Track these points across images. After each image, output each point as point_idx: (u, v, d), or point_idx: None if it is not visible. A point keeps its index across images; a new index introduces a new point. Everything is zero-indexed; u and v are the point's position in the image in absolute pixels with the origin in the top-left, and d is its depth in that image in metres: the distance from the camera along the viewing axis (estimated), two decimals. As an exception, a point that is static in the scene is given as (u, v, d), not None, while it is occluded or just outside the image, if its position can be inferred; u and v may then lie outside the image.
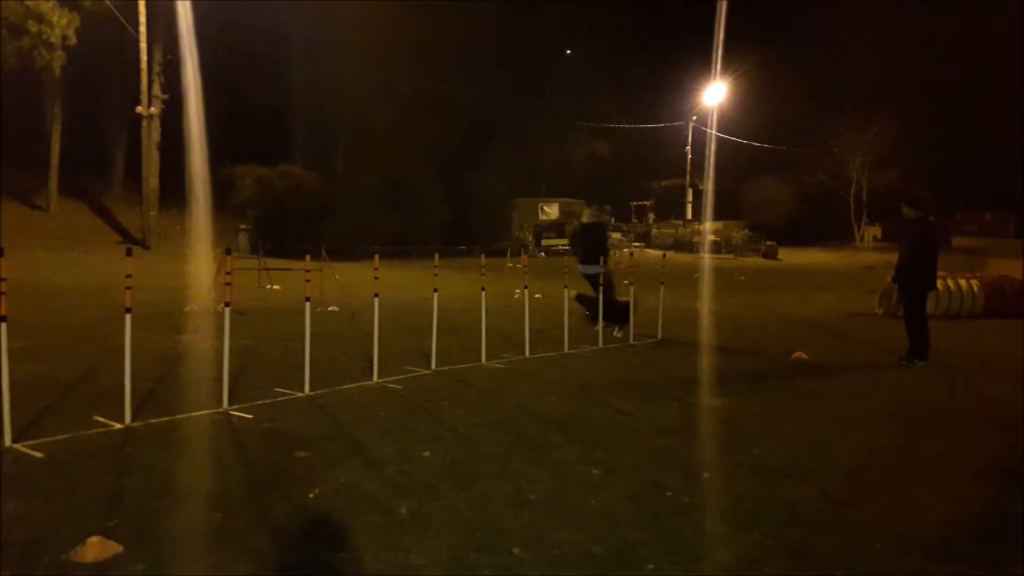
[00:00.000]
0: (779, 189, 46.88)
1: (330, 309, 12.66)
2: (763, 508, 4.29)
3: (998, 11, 40.54)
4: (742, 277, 20.00)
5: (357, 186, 31.45)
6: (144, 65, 27.21)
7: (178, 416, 5.79)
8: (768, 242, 41.47)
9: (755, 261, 37.81)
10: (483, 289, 8.88)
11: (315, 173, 31.27)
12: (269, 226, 28.23)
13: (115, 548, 3.49)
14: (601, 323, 10.26)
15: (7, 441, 4.91)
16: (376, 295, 7.63)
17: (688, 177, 47.82)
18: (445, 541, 3.74)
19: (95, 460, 4.77)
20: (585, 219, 12.19)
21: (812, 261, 37.39)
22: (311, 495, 4.30)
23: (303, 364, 6.70)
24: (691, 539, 3.87)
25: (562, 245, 38.78)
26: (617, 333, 10.67)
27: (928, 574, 3.59)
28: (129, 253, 5.95)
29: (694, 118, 46.82)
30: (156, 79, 28.49)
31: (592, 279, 11.13)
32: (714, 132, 41.85)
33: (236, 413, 5.94)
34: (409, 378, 7.50)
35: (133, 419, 5.53)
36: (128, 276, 5.59)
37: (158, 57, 28.62)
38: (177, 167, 28.79)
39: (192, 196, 27.42)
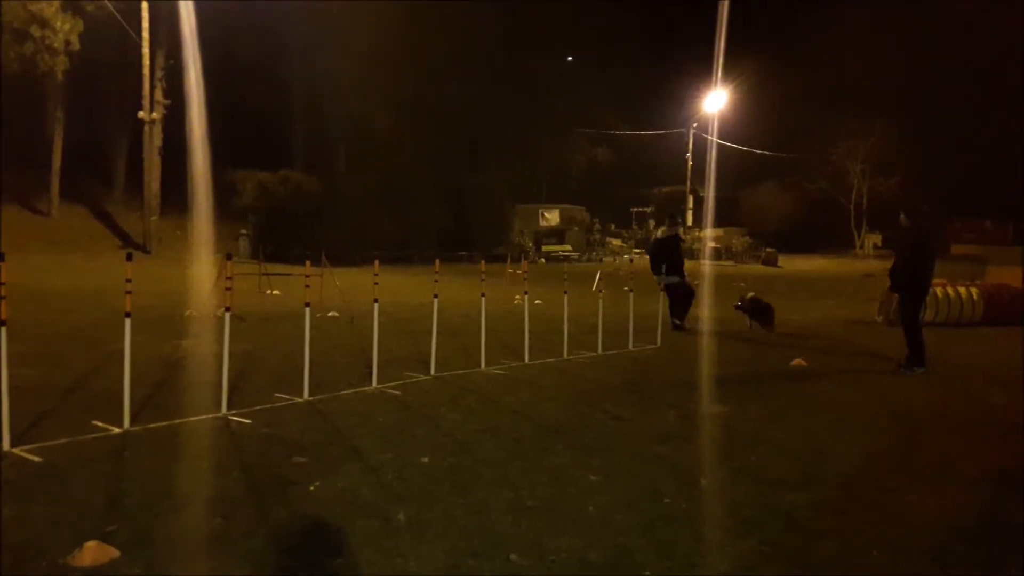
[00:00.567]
0: (779, 196, 46.95)
1: (330, 314, 12.67)
2: (760, 515, 4.29)
3: (999, 16, 40.62)
4: (742, 284, 19.99)
5: (357, 191, 31.49)
6: (146, 70, 27.29)
7: (177, 421, 5.80)
8: (768, 249, 41.49)
9: (755, 268, 37.84)
10: (483, 295, 8.89)
11: (315, 178, 31.31)
12: (269, 231, 28.27)
13: (112, 553, 3.49)
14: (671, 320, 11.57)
15: (6, 445, 4.92)
16: (376, 301, 7.64)
17: (688, 184, 47.86)
18: (442, 547, 3.74)
19: (94, 464, 4.78)
20: (660, 234, 13.32)
21: (812, 268, 37.38)
22: (312, 487, 4.33)
23: (302, 369, 6.71)
24: (688, 546, 3.87)
25: (562, 251, 38.87)
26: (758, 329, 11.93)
27: (925, 581, 3.59)
28: (129, 258, 5.96)
29: (695, 125, 46.90)
30: (158, 84, 28.59)
31: (671, 288, 12.20)
32: (715, 139, 41.93)
33: (235, 418, 5.95)
34: (408, 384, 7.50)
35: (132, 423, 5.54)
36: (128, 281, 5.61)
37: (160, 62, 28.73)
38: (179, 172, 28.86)
39: (193, 201, 27.46)
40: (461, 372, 8.18)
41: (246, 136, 32.43)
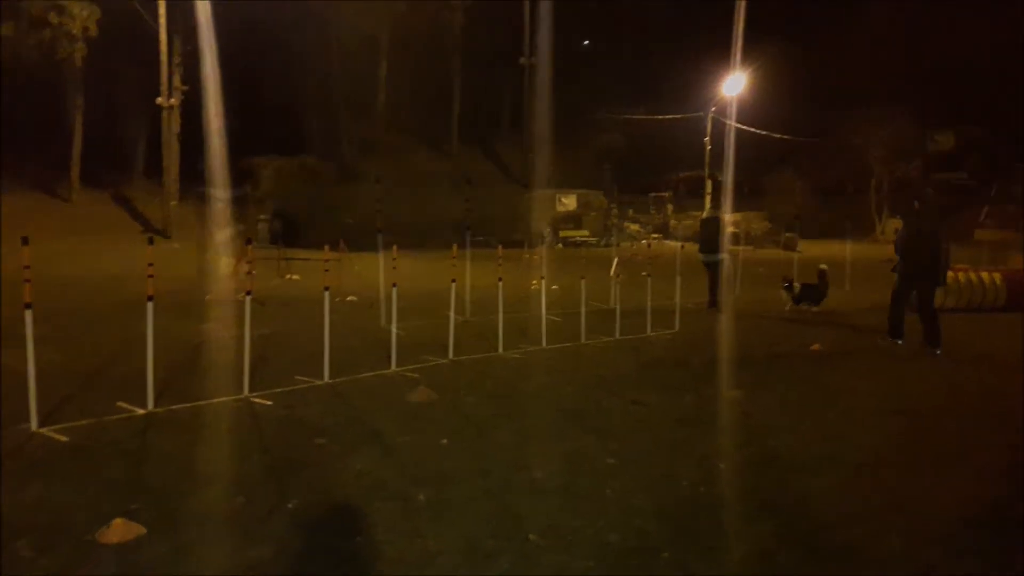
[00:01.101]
0: (799, 180, 46.49)
1: (348, 299, 12.74)
2: (777, 499, 4.30)
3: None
4: (761, 269, 19.88)
5: (374, 176, 31.59)
6: (164, 56, 27.41)
7: (199, 403, 5.88)
8: (788, 234, 41.11)
9: (774, 253, 37.58)
10: (500, 280, 8.91)
11: (332, 164, 31.43)
12: (288, 216, 28.45)
13: (139, 529, 3.56)
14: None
15: (33, 425, 5.01)
16: (394, 285, 7.68)
17: (707, 168, 47.51)
18: (462, 527, 3.79)
19: (118, 445, 4.87)
20: (704, 215, 14.51)
21: (832, 253, 37.04)
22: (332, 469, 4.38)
23: (322, 352, 6.77)
24: (706, 529, 3.89)
25: (580, 237, 38.74)
26: None
27: (943, 566, 3.59)
28: (151, 242, 6.03)
29: (713, 108, 46.49)
30: (176, 70, 28.69)
31: (711, 266, 12.89)
32: (734, 124, 41.57)
33: (257, 400, 6.02)
34: (427, 367, 7.55)
35: (155, 405, 5.63)
36: (150, 265, 5.68)
37: (178, 48, 28.82)
38: (197, 157, 29.06)
39: (211, 187, 27.64)
40: (479, 356, 8.22)
41: (263, 123, 32.58)
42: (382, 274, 9.94)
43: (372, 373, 7.17)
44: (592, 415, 6.03)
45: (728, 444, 5.45)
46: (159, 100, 28.00)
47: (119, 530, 3.52)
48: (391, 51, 35.41)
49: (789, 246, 40.05)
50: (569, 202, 40.59)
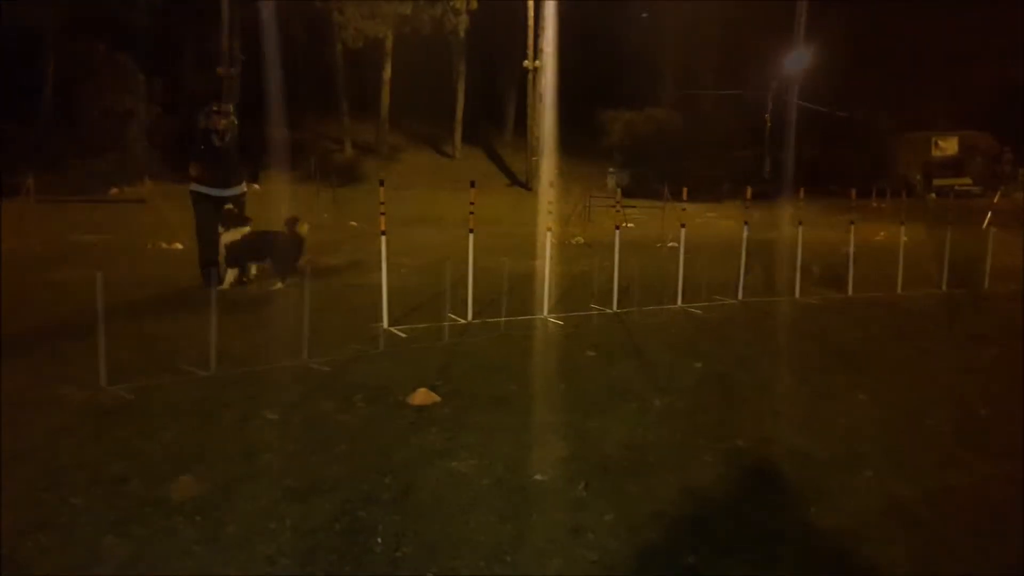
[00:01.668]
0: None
1: (670, 245, 13.40)
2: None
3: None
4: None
5: (719, 126, 31.44)
6: (531, 21, 30.11)
7: (506, 319, 7.12)
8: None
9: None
10: (800, 223, 8.90)
11: (679, 115, 31.88)
12: (634, 167, 29.74)
13: (435, 398, 4.76)
14: None
15: (385, 324, 6.62)
16: (682, 225, 8.22)
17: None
18: (683, 428, 4.37)
19: (444, 341, 6.27)
20: None
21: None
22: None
23: (619, 287, 7.64)
24: (913, 455, 4.00)
25: (960, 185, 34.26)
26: None
27: None
28: (472, 185, 7.37)
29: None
30: (542, 34, 31.32)
31: None
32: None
33: (552, 320, 7.13)
34: (713, 306, 8.02)
35: (474, 317, 7.00)
36: (471, 203, 7.02)
37: (544, 13, 31.39)
38: (559, 114, 31.61)
39: (564, 142, 29.97)
40: (771, 299, 8.43)
41: (616, 78, 34.15)
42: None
43: (658, 307, 7.85)
44: (864, 356, 6.08)
45: (999, 392, 5.18)
46: (526, 63, 30.90)
47: (422, 396, 4.76)
48: None
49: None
50: (948, 145, 36.01)
